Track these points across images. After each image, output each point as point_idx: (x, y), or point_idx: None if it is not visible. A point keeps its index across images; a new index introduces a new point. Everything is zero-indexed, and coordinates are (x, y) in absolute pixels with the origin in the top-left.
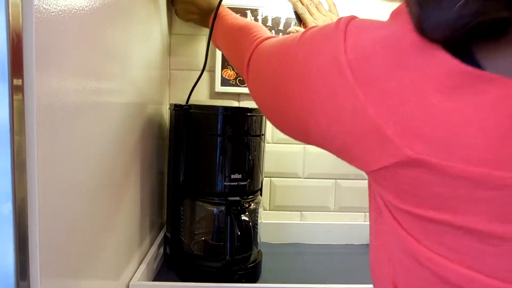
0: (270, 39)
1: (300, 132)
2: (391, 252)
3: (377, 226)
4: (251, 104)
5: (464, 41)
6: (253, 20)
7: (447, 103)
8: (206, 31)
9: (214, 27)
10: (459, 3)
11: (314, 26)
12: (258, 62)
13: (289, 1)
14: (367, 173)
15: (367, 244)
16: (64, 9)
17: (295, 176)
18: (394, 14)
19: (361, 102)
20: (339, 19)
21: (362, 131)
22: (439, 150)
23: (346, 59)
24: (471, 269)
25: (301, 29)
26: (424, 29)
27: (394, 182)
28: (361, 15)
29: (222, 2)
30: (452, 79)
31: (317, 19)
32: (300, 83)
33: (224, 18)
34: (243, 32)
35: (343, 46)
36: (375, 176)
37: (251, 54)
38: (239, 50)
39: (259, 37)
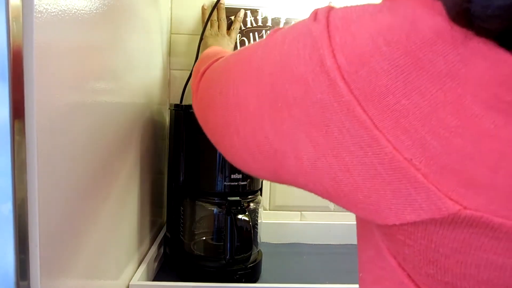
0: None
1: (267, 169)
2: None
3: (374, 271)
4: None
5: None
6: (252, 20)
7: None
8: None
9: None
10: None
11: (281, 28)
12: (212, 73)
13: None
14: (377, 225)
15: None
16: (64, 9)
17: None
18: None
19: (365, 126)
20: (315, 11)
21: (372, 170)
22: (506, 203)
23: (335, 64)
24: None
25: None
26: (474, 13)
27: (427, 243)
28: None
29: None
30: None
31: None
32: (270, 102)
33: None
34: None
35: (328, 46)
36: (393, 232)
37: (208, 67)
38: (197, 67)
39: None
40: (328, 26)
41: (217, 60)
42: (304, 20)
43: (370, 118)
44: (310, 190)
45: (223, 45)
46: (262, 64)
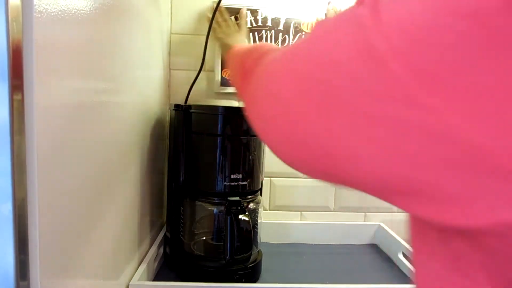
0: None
1: (321, 167)
2: None
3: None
4: None
5: None
6: (252, 20)
7: None
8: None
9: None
10: None
11: (325, 20)
12: (268, 67)
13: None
14: (457, 231)
15: (367, 244)
16: (64, 9)
17: (295, 176)
18: None
19: (431, 113)
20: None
21: (445, 161)
22: None
23: (386, 44)
24: None
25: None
26: None
27: None
28: None
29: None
30: None
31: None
32: (317, 95)
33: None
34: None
35: (377, 25)
36: (475, 234)
37: (258, 60)
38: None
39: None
40: (375, 6)
41: (264, 53)
42: (349, 8)
43: (438, 102)
44: (369, 191)
45: (240, 41)
46: (308, 58)
